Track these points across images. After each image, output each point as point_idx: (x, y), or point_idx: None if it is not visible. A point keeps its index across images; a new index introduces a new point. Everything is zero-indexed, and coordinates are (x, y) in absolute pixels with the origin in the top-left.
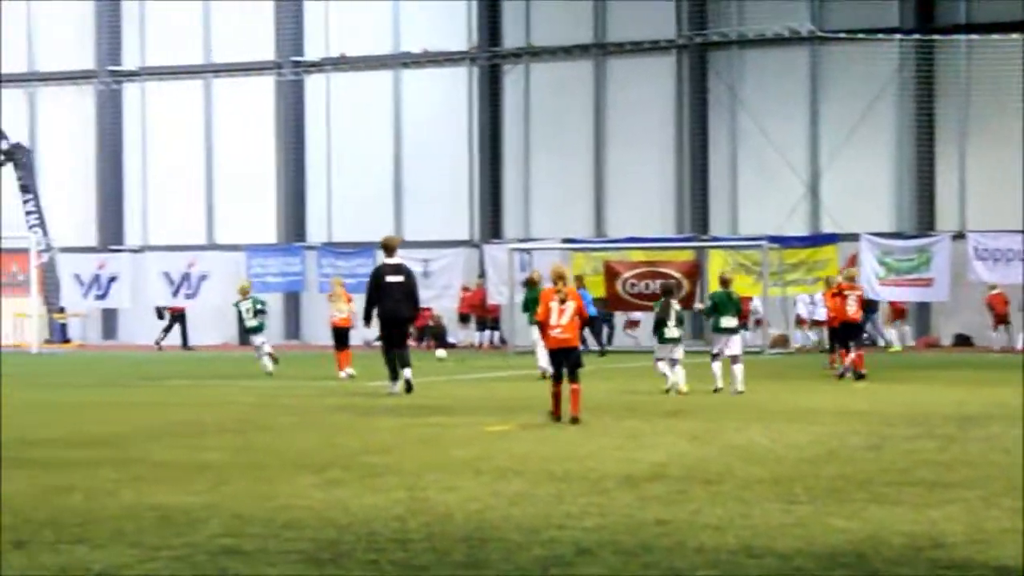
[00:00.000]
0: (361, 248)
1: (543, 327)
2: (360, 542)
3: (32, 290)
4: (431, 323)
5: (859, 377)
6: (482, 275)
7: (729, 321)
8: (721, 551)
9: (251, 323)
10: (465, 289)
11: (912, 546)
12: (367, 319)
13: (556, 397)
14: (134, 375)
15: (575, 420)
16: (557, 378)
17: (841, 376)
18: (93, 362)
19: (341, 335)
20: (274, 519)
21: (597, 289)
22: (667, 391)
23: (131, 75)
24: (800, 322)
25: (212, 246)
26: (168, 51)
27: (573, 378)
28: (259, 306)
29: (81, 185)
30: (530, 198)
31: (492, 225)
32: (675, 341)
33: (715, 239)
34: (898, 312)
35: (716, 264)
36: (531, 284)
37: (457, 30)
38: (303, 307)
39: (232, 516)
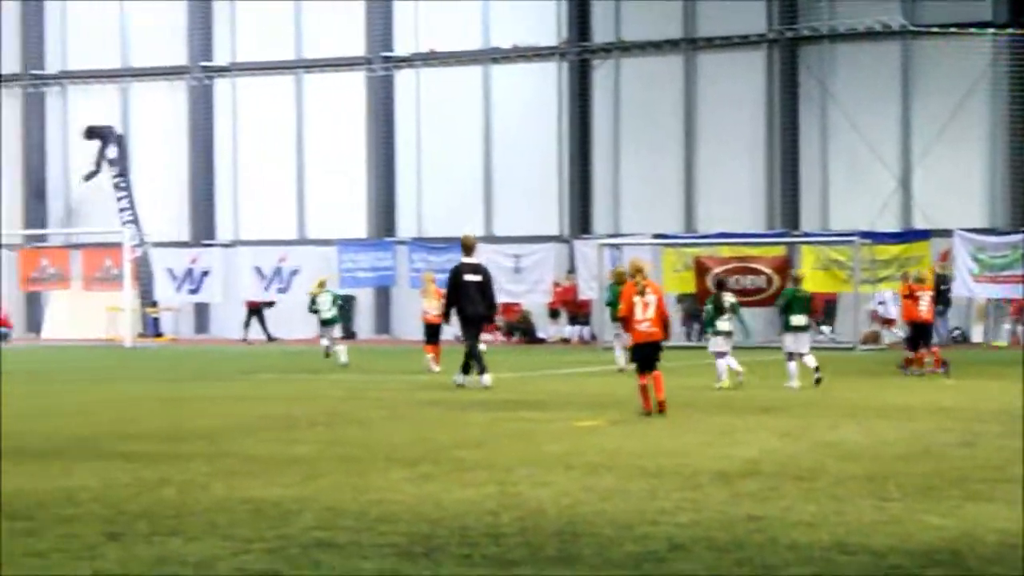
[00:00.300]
0: (451, 243)
1: (627, 323)
2: (453, 536)
3: (126, 284)
4: (519, 318)
5: (945, 373)
6: (572, 271)
7: (799, 319)
8: (814, 548)
9: (329, 315)
10: (556, 284)
11: (1006, 543)
12: (446, 317)
13: (644, 391)
14: (226, 369)
15: (661, 404)
16: (643, 371)
17: (921, 376)
18: (185, 356)
19: (432, 330)
20: (367, 512)
21: (687, 285)
22: (728, 386)
23: (223, 71)
24: (873, 318)
25: (303, 241)
26: (259, 47)
27: (653, 367)
28: (339, 301)
29: (174, 180)
30: (620, 193)
31: (582, 221)
32: (727, 334)
33: (806, 235)
34: (1018, 309)
35: (807, 260)
36: (618, 280)
37: (547, 25)
38: (393, 302)
39: (324, 509)
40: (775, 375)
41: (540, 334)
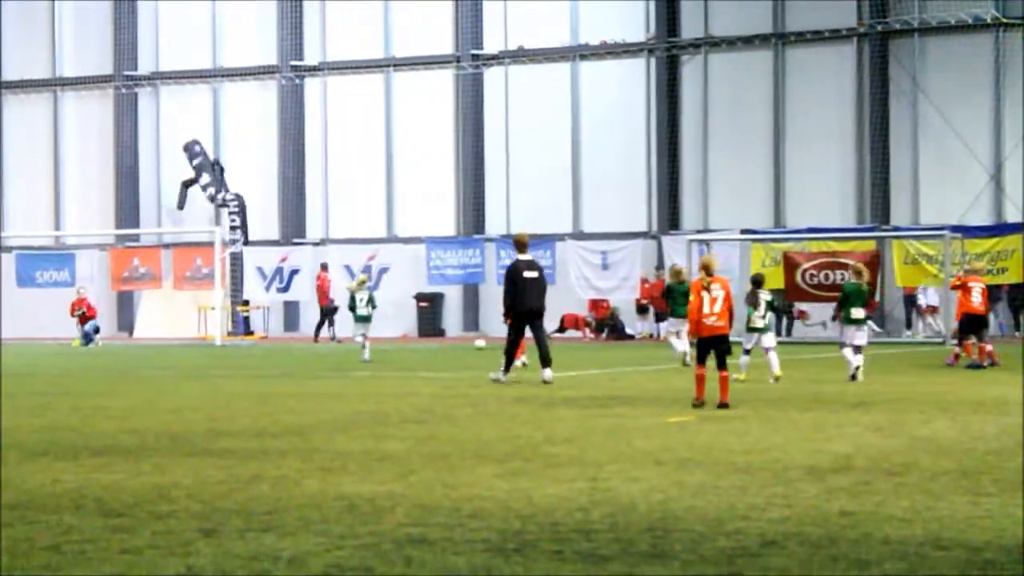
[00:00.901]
0: (540, 240)
1: (695, 317)
2: (544, 532)
3: (216, 283)
4: (608, 315)
5: (991, 365)
6: (660, 267)
7: (858, 312)
8: (908, 543)
9: (364, 312)
10: (644, 281)
11: None
12: (507, 313)
13: (701, 380)
14: (317, 366)
15: (724, 405)
16: (702, 361)
17: (969, 367)
18: (275, 354)
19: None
20: (459, 509)
21: (775, 280)
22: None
23: (313, 70)
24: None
25: (392, 239)
26: (349, 46)
27: (723, 365)
28: (374, 301)
29: (264, 179)
30: (708, 189)
31: (670, 216)
32: (762, 331)
33: (896, 229)
34: None
35: (898, 254)
36: (676, 276)
37: (635, 21)
38: (481, 299)
39: (416, 506)
40: (865, 371)
41: (628, 330)
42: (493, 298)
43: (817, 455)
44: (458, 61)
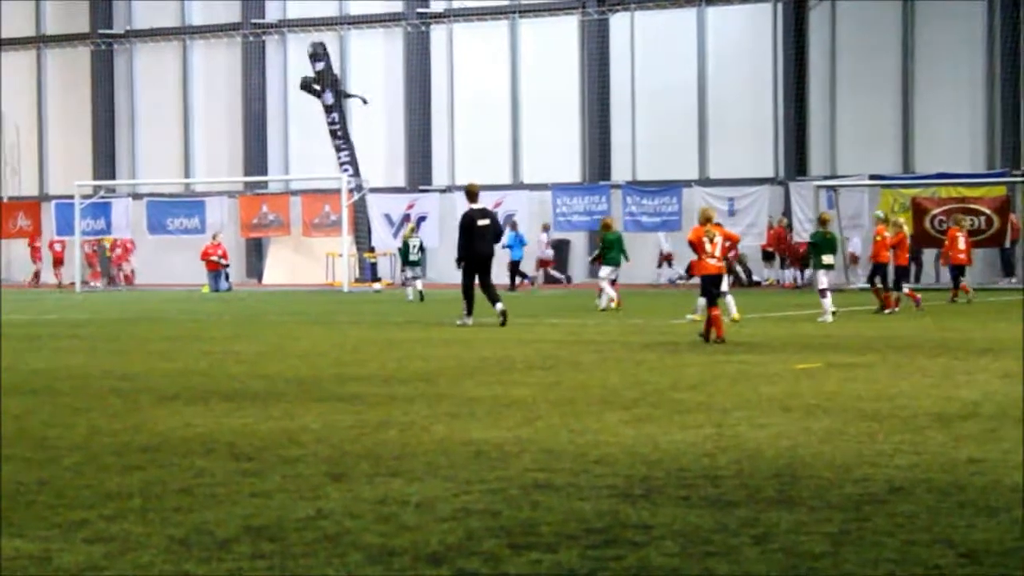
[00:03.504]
0: (667, 186)
1: (698, 257)
2: (671, 478)
3: (343, 230)
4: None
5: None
6: (786, 213)
7: (829, 259)
8: None
9: (415, 257)
10: (770, 227)
11: None
12: (459, 260)
13: (717, 320)
14: (444, 313)
15: (721, 340)
16: (713, 302)
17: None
18: (401, 301)
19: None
20: (585, 454)
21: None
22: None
23: (438, 17)
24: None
25: (518, 185)
26: None
27: (715, 303)
28: (423, 246)
29: (390, 127)
30: (836, 135)
31: (797, 162)
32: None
33: None
34: None
35: None
36: (605, 228)
37: None
38: None
39: (543, 451)
40: (993, 318)
41: (755, 277)
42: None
43: (945, 402)
44: (584, 6)
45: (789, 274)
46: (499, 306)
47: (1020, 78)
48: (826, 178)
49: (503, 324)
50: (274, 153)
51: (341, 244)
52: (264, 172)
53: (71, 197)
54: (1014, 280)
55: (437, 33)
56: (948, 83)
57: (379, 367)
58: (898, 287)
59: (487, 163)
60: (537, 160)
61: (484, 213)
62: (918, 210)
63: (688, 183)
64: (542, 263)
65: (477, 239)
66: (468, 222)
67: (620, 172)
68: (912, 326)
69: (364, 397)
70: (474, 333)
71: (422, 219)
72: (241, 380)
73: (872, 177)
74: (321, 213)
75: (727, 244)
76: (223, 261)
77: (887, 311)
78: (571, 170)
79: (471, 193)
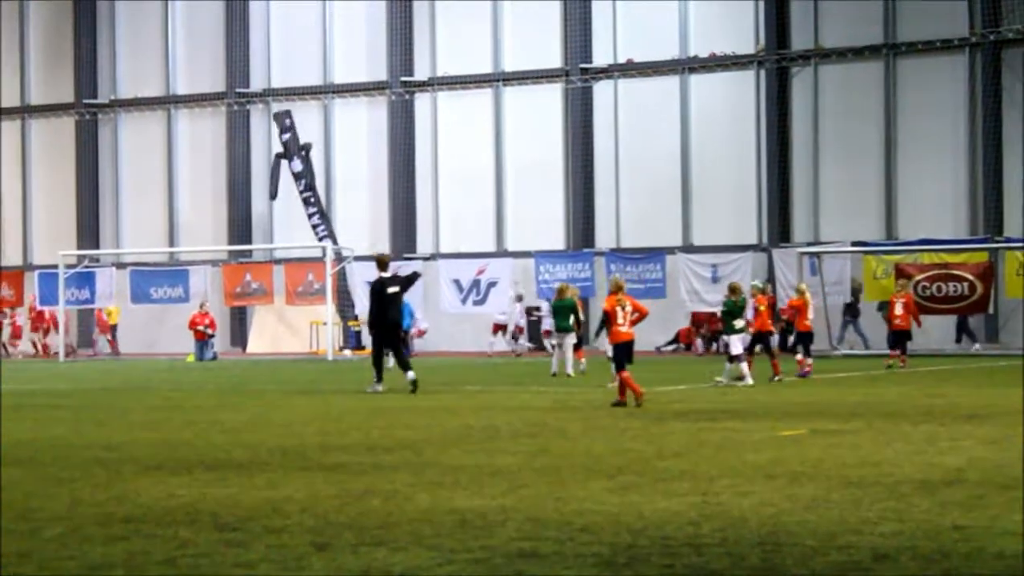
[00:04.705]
0: (650, 253)
1: (609, 326)
2: (655, 546)
3: (327, 298)
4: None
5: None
6: (770, 280)
7: (739, 323)
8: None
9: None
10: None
11: None
12: (371, 326)
13: (627, 383)
14: (428, 381)
15: (622, 403)
16: (621, 367)
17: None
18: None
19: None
20: (570, 523)
21: (888, 293)
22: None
23: (423, 85)
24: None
25: (502, 253)
26: (459, 61)
27: (622, 368)
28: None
29: (374, 195)
30: (819, 201)
31: (781, 229)
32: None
33: (1009, 240)
34: None
35: (1011, 266)
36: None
37: (744, 33)
38: (592, 313)
39: (528, 519)
40: (978, 383)
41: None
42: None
43: (930, 468)
44: (567, 75)
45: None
46: (410, 374)
47: (1002, 143)
48: (809, 244)
49: (413, 392)
50: (258, 222)
51: (325, 312)
52: (248, 241)
53: (55, 267)
54: (977, 346)
55: (421, 101)
56: (930, 148)
57: (363, 436)
58: (806, 351)
59: (471, 230)
60: (521, 227)
61: (394, 280)
62: (901, 276)
63: (672, 250)
64: (519, 330)
65: (388, 306)
66: (378, 289)
67: (604, 239)
68: (897, 392)
69: (348, 466)
70: (458, 401)
71: (493, 285)
72: (225, 450)
73: (855, 243)
74: (304, 281)
75: (635, 315)
76: (209, 331)
77: (776, 377)
78: (555, 237)
79: (381, 263)
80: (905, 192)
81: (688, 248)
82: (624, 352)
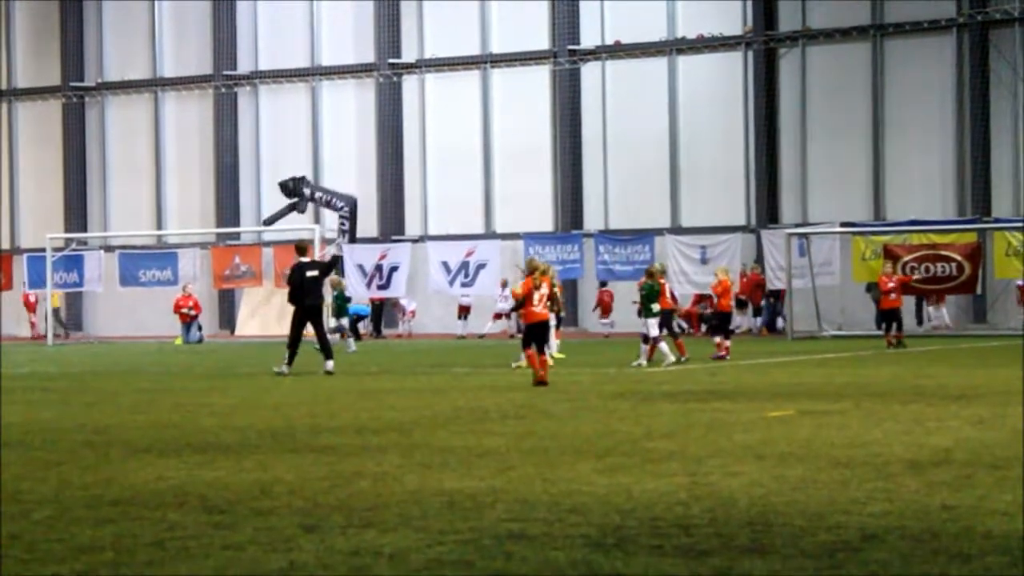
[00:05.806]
0: (639, 235)
1: (525, 307)
2: (644, 527)
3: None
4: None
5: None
6: (759, 260)
7: (656, 306)
8: (1011, 537)
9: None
10: (743, 275)
11: None
12: (295, 310)
13: (533, 359)
14: (417, 363)
15: (543, 382)
16: (527, 345)
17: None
18: (375, 351)
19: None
20: (558, 504)
21: (876, 274)
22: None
23: (410, 67)
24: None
25: (491, 235)
26: (446, 43)
27: (542, 350)
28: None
29: (363, 177)
30: (807, 182)
31: (769, 210)
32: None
33: (997, 221)
34: None
35: (999, 247)
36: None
37: (732, 14)
38: (580, 294)
39: (516, 501)
40: (967, 364)
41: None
42: (591, 293)
43: (918, 449)
44: (555, 57)
45: (760, 320)
46: (330, 364)
47: (989, 124)
48: (798, 225)
49: (329, 373)
50: (246, 204)
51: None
52: (236, 223)
53: (43, 250)
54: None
55: (409, 83)
56: (918, 129)
57: (352, 418)
58: (727, 333)
59: (459, 212)
60: (509, 209)
61: (313, 265)
62: (890, 257)
63: (660, 231)
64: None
65: (307, 291)
66: (298, 274)
67: (592, 221)
68: (886, 373)
69: (337, 448)
70: (447, 382)
71: (394, 269)
72: (214, 432)
73: (843, 224)
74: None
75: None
76: (193, 312)
77: (683, 359)
78: (543, 219)
79: (300, 248)
80: (893, 173)
81: (677, 230)
82: (536, 332)
